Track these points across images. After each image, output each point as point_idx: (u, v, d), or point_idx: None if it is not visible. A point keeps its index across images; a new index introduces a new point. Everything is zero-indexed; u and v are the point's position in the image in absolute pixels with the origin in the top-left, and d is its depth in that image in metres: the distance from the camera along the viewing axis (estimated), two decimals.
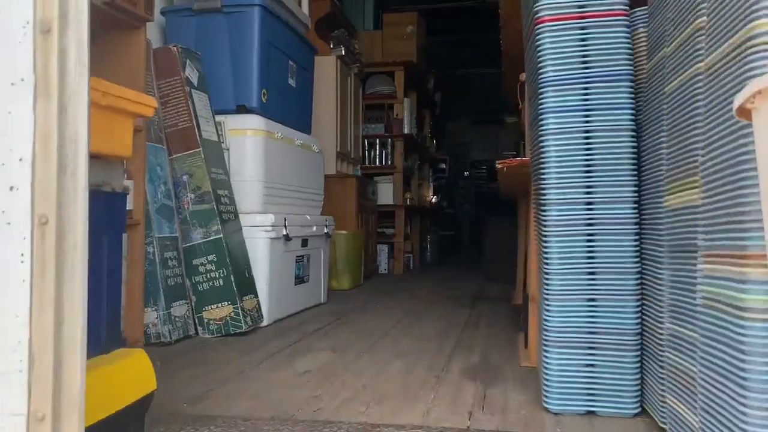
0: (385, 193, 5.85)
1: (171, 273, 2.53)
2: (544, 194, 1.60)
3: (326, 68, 4.55)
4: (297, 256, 3.23)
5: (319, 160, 3.67)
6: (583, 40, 1.57)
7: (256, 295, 2.81)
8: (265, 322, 2.86)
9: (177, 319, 2.51)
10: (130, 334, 2.36)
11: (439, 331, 2.76)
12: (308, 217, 3.35)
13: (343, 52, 4.80)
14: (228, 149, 2.93)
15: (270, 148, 3.00)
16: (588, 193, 1.57)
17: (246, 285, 2.75)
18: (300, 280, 3.28)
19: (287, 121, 3.27)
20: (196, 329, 2.63)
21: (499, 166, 2.05)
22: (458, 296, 4.08)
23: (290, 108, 3.36)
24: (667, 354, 1.35)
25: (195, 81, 2.79)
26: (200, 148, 2.69)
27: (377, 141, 6.12)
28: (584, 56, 1.58)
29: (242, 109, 2.98)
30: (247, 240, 2.85)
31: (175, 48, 2.70)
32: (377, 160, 6.12)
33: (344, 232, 4.32)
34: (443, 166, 9.52)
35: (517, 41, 2.75)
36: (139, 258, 2.40)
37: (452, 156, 11.12)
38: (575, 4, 1.58)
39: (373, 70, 6.10)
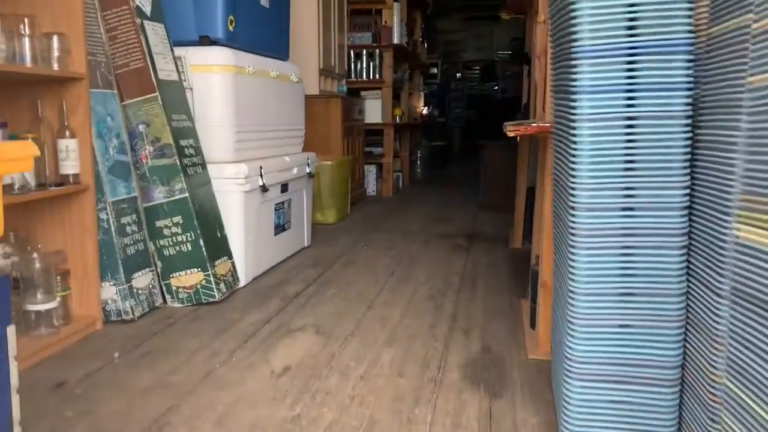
0: (373, 110, 5.42)
1: (130, 240, 2.22)
2: (574, 196, 1.28)
3: None
4: (276, 204, 2.91)
5: (299, 90, 3.26)
6: None
7: (231, 257, 2.52)
8: (242, 283, 2.59)
9: (140, 291, 2.23)
10: (86, 313, 2.09)
11: (433, 296, 2.50)
12: (287, 159, 3.00)
13: None
14: (191, 89, 2.53)
15: (241, 85, 2.60)
16: (627, 196, 1.26)
17: (218, 247, 2.45)
18: (280, 228, 2.98)
19: (261, 49, 2.85)
20: (164, 297, 2.36)
21: (510, 133, 1.71)
22: (452, 234, 3.81)
23: (264, 33, 2.92)
24: (725, 418, 1.09)
25: (148, 10, 2.35)
26: (157, 92, 2.31)
27: (364, 52, 5.62)
28: (631, 19, 1.21)
29: (206, 41, 2.55)
30: (218, 194, 2.53)
31: None
32: (364, 73, 5.63)
33: (329, 162, 3.98)
34: (434, 71, 8.98)
35: None
36: (91, 228, 2.09)
37: (443, 56, 10.53)
38: None
39: None
